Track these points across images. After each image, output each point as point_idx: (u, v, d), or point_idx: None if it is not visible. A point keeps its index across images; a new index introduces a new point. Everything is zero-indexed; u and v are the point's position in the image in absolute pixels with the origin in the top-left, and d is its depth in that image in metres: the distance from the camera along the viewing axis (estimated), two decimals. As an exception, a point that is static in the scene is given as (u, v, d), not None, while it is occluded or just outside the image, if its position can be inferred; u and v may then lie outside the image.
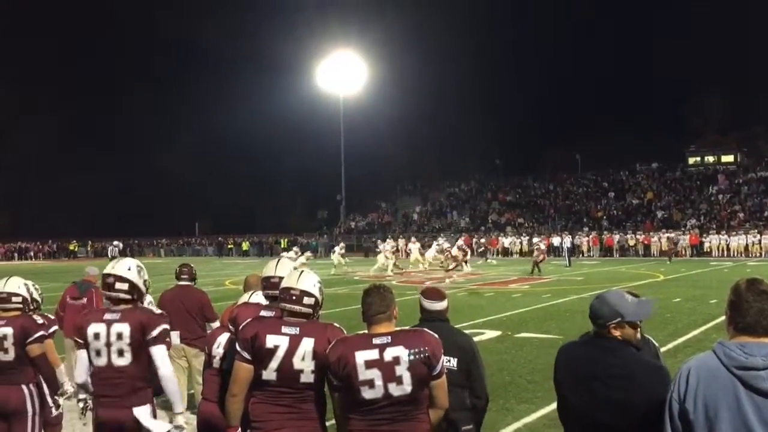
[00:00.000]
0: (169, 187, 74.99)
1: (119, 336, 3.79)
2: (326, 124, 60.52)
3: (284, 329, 3.36)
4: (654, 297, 16.28)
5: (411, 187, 64.97)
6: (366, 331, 3.25)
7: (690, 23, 70.24)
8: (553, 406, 6.88)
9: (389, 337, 3.14)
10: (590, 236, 41.89)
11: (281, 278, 3.87)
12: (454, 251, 28.01)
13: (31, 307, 4.88)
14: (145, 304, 5.35)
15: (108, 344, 3.79)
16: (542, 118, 73.36)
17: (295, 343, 3.31)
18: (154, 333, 3.83)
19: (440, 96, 70.62)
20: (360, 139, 60.65)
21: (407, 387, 3.09)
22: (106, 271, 3.99)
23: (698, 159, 54.32)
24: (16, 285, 4.77)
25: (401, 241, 39.43)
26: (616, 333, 3.03)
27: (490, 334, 11.41)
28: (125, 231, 64.72)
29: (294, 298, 3.43)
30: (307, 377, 3.32)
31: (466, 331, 4.42)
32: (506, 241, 43.59)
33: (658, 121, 64.99)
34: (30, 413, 4.54)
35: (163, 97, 79.02)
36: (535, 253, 26.69)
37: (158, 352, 3.85)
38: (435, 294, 4.12)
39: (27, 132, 67.67)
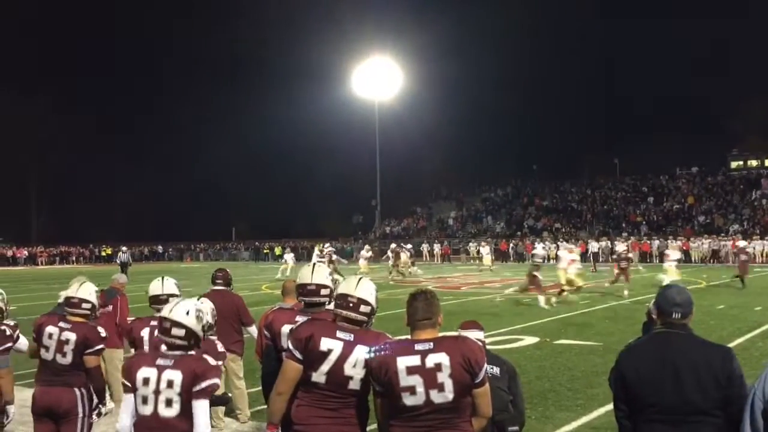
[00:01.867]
0: (207, 193, 76.01)
1: (170, 384, 3.42)
2: (362, 129, 60.72)
3: (339, 334, 3.37)
4: (698, 304, 15.89)
5: (446, 192, 64.77)
6: (409, 337, 3.23)
7: (730, 25, 68.76)
8: (595, 413, 6.81)
9: (431, 344, 3.10)
10: (629, 241, 41.17)
11: (318, 285, 3.97)
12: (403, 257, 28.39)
13: (96, 315, 4.95)
14: None
15: (157, 392, 3.43)
16: (580, 122, 72.45)
17: (348, 349, 3.32)
18: (203, 385, 3.44)
19: (476, 100, 70.23)
20: (395, 144, 60.69)
21: (449, 394, 3.05)
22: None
23: (741, 163, 53.08)
24: (88, 291, 4.82)
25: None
26: (688, 321, 3.18)
27: (529, 340, 11.29)
28: (164, 236, 65.73)
29: (351, 305, 3.44)
30: (356, 384, 3.33)
31: (505, 337, 4.44)
32: (593, 246, 42.79)
33: (698, 125, 63.61)
34: (80, 415, 4.62)
35: (201, 103, 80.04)
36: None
37: (201, 407, 3.43)
38: (473, 325, 4.31)
39: (70, 140, 69.17)
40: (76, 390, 4.61)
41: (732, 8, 68.74)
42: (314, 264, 4.17)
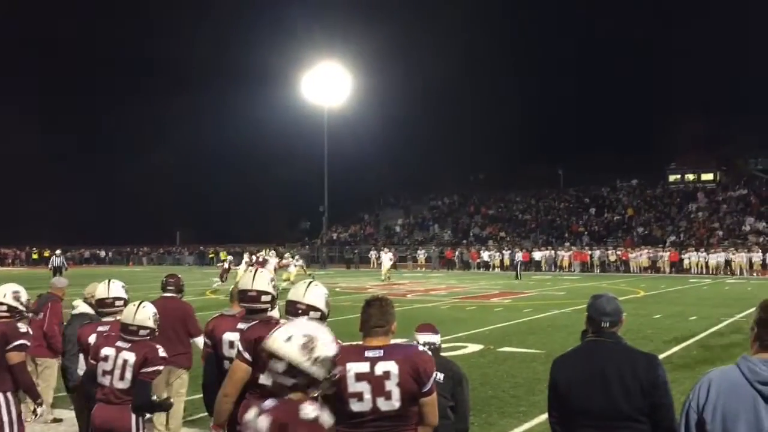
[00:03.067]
0: (151, 195, 74.43)
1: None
2: (310, 134, 60.44)
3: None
4: (635, 313, 16.37)
5: (394, 200, 65.06)
6: (360, 342, 3.23)
7: (672, 43, 71.15)
8: (536, 420, 6.93)
9: (382, 351, 3.11)
10: (571, 251, 42.17)
11: (259, 291, 3.90)
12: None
13: (24, 316, 4.85)
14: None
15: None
16: (525, 134, 73.79)
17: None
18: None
19: (424, 109, 70.86)
20: (344, 150, 60.57)
21: (396, 402, 3.05)
22: (127, 321, 4.23)
23: (678, 176, 54.95)
24: (2, 294, 4.76)
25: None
26: (617, 329, 3.24)
27: (473, 348, 11.42)
28: (106, 239, 64.15)
29: (300, 311, 3.45)
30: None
31: (449, 345, 4.49)
32: (486, 255, 43.77)
33: (639, 139, 65.65)
34: (5, 421, 4.49)
35: (145, 107, 78.53)
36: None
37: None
38: (429, 328, 4.37)
39: (13, 145, 66.91)
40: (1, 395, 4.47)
41: (674, 24, 71.25)
42: (256, 270, 4.11)
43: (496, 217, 55.04)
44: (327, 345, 2.51)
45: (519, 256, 37.23)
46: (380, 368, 3.06)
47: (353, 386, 3.06)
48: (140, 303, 4.48)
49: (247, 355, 3.39)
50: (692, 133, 58.51)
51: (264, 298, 3.93)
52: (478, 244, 48.13)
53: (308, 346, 2.56)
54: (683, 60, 69.40)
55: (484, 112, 72.56)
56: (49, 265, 32.01)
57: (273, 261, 28.11)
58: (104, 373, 4.27)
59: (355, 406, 3.06)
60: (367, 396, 3.05)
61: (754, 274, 35.19)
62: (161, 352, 4.33)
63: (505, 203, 57.45)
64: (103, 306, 4.82)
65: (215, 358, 4.01)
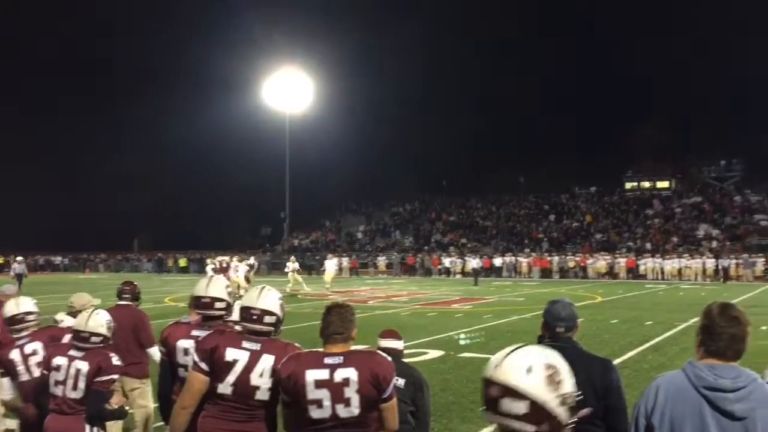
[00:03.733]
0: (109, 201, 73.13)
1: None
2: (271, 141, 60.15)
3: (245, 344, 3.34)
4: (593, 318, 16.57)
5: (355, 206, 65.05)
6: (320, 349, 3.22)
7: (630, 52, 72.72)
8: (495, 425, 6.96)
9: (341, 358, 3.11)
10: (530, 258, 42.66)
11: (213, 298, 3.85)
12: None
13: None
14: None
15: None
16: (488, 140, 74.62)
17: (254, 358, 3.30)
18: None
19: (386, 116, 71.13)
20: (305, 156, 60.47)
21: (355, 409, 3.06)
22: (79, 328, 4.22)
23: (635, 184, 56.09)
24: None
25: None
26: (572, 335, 3.30)
27: (434, 354, 11.45)
28: (62, 245, 62.72)
29: (255, 317, 3.39)
30: (263, 394, 3.30)
31: (411, 351, 4.52)
32: (447, 261, 44.01)
33: (597, 147, 66.96)
34: None
35: (103, 112, 77.25)
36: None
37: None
38: (392, 334, 4.43)
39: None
40: None
41: (633, 33, 72.81)
42: (210, 276, 4.07)
43: (457, 223, 55.41)
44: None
45: (476, 262, 37.54)
46: (340, 375, 3.06)
47: (313, 393, 3.05)
48: (93, 310, 4.42)
49: (203, 366, 3.34)
50: (649, 142, 59.89)
51: (218, 305, 3.87)
52: (440, 251, 48.38)
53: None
54: (641, 69, 71.02)
55: (446, 119, 73.25)
56: (11, 273, 31.13)
57: (243, 268, 27.32)
58: (57, 383, 4.18)
59: (315, 413, 3.06)
60: (327, 403, 3.05)
61: (708, 280, 36.05)
62: (115, 361, 4.25)
63: (466, 210, 57.88)
64: (13, 323, 4.74)
65: (169, 366, 3.95)
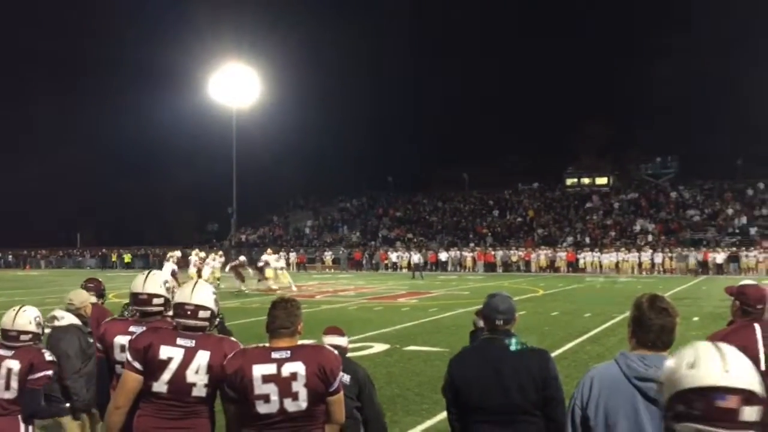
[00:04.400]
0: (51, 195, 70.99)
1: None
2: (218, 136, 59.46)
3: (179, 341, 3.30)
4: (534, 311, 16.97)
5: (303, 202, 64.82)
6: (266, 344, 3.23)
7: (572, 50, 74.32)
8: (439, 417, 7.19)
9: (289, 352, 3.12)
10: (475, 252, 43.35)
11: (150, 294, 3.82)
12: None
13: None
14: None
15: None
16: (433, 138, 75.29)
17: (189, 355, 3.27)
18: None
19: (333, 111, 71.09)
20: (252, 152, 59.99)
21: (303, 403, 3.08)
22: (6, 327, 4.13)
23: (575, 180, 57.48)
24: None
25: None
26: (511, 327, 3.38)
27: (379, 347, 11.63)
28: (1, 242, 60.63)
29: (189, 312, 3.37)
30: (200, 391, 3.27)
31: (356, 345, 4.65)
32: (394, 256, 44.38)
33: (540, 144, 68.32)
34: None
35: (45, 104, 74.83)
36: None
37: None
38: (335, 331, 4.43)
39: None
40: None
41: (575, 31, 74.34)
42: (149, 272, 4.00)
43: (404, 219, 55.80)
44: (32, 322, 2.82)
45: (417, 257, 38.09)
46: (287, 369, 3.07)
47: (260, 388, 3.05)
48: (20, 307, 4.27)
49: (137, 365, 3.28)
50: (589, 140, 61.46)
51: (156, 300, 3.83)
52: (386, 246, 48.69)
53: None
54: (583, 69, 72.64)
55: (393, 116, 73.57)
56: None
57: (214, 263, 26.23)
58: None
59: (262, 408, 3.06)
60: (274, 398, 3.05)
61: (644, 273, 37.31)
62: (48, 356, 4.17)
63: (412, 205, 58.32)
64: None
65: (107, 363, 3.87)
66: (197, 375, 3.25)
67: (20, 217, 68.72)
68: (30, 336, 4.17)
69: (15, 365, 4.02)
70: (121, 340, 3.71)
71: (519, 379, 3.20)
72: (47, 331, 4.84)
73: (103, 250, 56.83)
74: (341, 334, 4.42)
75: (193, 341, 3.30)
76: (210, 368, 3.24)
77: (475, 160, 63.88)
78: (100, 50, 74.04)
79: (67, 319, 5.28)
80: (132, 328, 3.73)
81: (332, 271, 44.04)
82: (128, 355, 3.32)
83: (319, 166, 70.15)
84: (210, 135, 62.92)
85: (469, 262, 42.18)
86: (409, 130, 73.55)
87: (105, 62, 78.38)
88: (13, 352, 4.08)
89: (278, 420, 3.07)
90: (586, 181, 56.87)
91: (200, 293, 3.43)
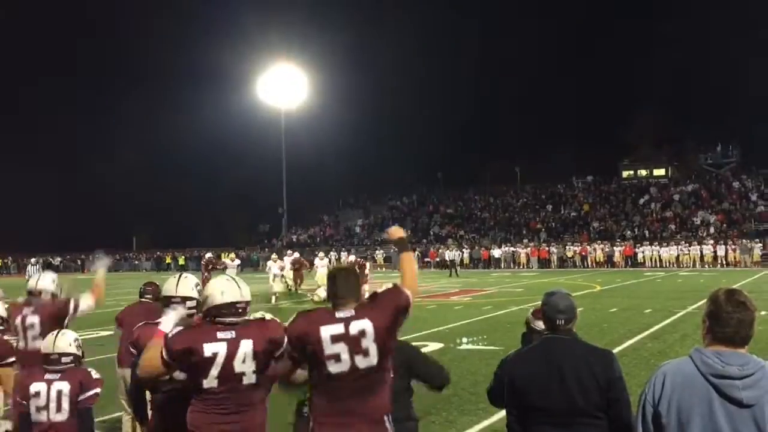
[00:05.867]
0: (107, 200, 73.01)
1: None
2: (267, 137, 60.11)
3: (220, 335, 3.29)
4: (592, 307, 16.55)
5: (353, 200, 65.03)
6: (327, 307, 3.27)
7: (625, 42, 72.66)
8: (495, 417, 6.95)
9: (353, 311, 3.17)
10: (528, 248, 42.69)
11: (183, 297, 3.86)
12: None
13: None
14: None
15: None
16: (483, 132, 74.58)
17: (233, 346, 3.27)
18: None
19: (382, 109, 71.05)
20: (302, 152, 60.39)
21: (373, 359, 3.12)
22: (47, 350, 4.19)
23: (631, 172, 56.11)
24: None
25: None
26: (572, 326, 3.27)
27: (433, 346, 11.46)
28: (59, 245, 62.65)
29: (176, 304, 3.66)
30: (250, 378, 3.29)
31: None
32: (449, 254, 43.99)
33: (594, 136, 66.87)
34: None
35: (99, 110, 77.12)
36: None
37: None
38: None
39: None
40: None
41: (628, 22, 72.67)
42: (180, 275, 4.00)
43: (455, 215, 55.42)
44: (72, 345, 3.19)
45: (456, 254, 38.15)
46: (355, 327, 3.13)
47: (330, 348, 3.09)
48: (58, 331, 4.39)
49: (169, 360, 3.29)
50: (645, 130, 59.88)
51: (189, 303, 3.86)
52: (438, 243, 48.41)
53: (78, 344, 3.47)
54: (636, 58, 70.96)
55: (442, 112, 73.15)
56: (27, 274, 30.67)
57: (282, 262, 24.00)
58: (38, 409, 4.09)
59: (333, 368, 3.10)
60: (345, 356, 3.09)
61: (706, 266, 36.11)
62: (95, 374, 4.24)
63: (463, 201, 57.89)
64: None
65: None
66: (244, 364, 3.26)
67: (78, 221, 70.85)
68: (71, 358, 4.23)
69: (65, 387, 4.07)
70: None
71: (582, 380, 3.09)
72: None
73: (158, 253, 58.06)
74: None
75: (233, 332, 3.30)
76: (255, 354, 3.26)
77: (527, 154, 62.97)
78: (153, 53, 75.78)
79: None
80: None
81: (383, 270, 43.97)
82: (163, 351, 3.29)
83: (369, 165, 70.26)
84: (259, 136, 63.69)
85: (522, 258, 41.58)
86: (458, 125, 72.97)
87: (157, 65, 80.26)
88: (59, 374, 4.13)
89: (351, 378, 3.11)
90: (643, 172, 55.44)
91: (183, 285, 3.79)
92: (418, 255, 45.28)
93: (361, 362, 3.12)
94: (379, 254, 47.28)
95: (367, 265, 23.28)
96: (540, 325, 5.03)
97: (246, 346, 3.27)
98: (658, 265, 37.57)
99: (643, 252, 39.15)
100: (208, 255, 24.32)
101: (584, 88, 71.13)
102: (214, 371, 3.25)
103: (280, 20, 72.59)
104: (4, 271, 56.56)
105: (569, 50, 73.62)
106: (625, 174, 56.21)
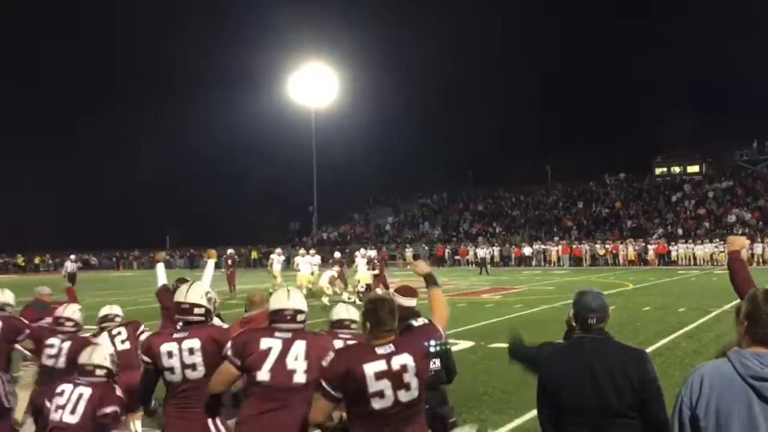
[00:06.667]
0: (138, 200, 74.12)
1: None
2: (298, 135, 60.44)
3: (277, 334, 3.55)
4: (624, 306, 16.37)
5: (383, 198, 65.11)
6: (363, 342, 3.37)
7: (657, 40, 71.59)
8: (527, 416, 6.96)
9: (392, 346, 3.21)
10: (560, 246, 42.32)
11: (192, 304, 3.99)
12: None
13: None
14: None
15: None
16: (513, 129, 74.08)
17: (288, 344, 3.52)
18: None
19: (412, 108, 71.04)
20: (332, 150, 60.65)
21: (415, 392, 3.20)
22: (83, 360, 4.28)
23: (665, 169, 55.26)
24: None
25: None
26: (604, 325, 3.25)
27: (464, 344, 11.46)
28: (93, 244, 63.72)
29: (185, 310, 3.93)
30: (300, 377, 3.48)
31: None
32: (480, 252, 43.82)
33: (626, 134, 66.09)
34: None
35: (130, 110, 78.27)
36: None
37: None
38: (409, 291, 4.61)
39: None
40: None
41: (660, 19, 71.60)
42: (191, 283, 4.18)
43: (485, 213, 55.16)
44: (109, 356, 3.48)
45: (484, 252, 38.12)
46: (396, 363, 3.17)
47: (374, 386, 3.12)
48: (94, 346, 4.52)
49: (236, 360, 3.54)
50: (679, 127, 58.93)
51: (197, 310, 3.98)
52: (468, 241, 48.24)
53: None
54: (669, 54, 69.86)
55: (472, 110, 72.84)
56: (63, 271, 31.34)
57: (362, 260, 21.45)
58: (57, 407, 4.19)
59: (377, 404, 3.13)
60: (389, 392, 3.13)
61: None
62: (118, 392, 4.30)
63: (493, 199, 57.59)
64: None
65: (154, 372, 3.95)
66: (296, 362, 3.46)
67: (113, 220, 72.04)
68: (105, 372, 4.32)
69: (86, 392, 4.16)
70: (167, 347, 3.88)
71: (615, 380, 3.07)
72: None
73: (191, 251, 58.73)
74: (412, 295, 4.55)
75: (290, 333, 3.55)
76: (307, 355, 3.46)
77: (558, 151, 62.44)
78: (182, 54, 76.59)
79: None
80: (176, 335, 3.94)
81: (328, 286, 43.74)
82: (229, 350, 3.54)
83: (398, 162, 70.34)
84: (290, 135, 64.07)
85: (553, 256, 41.25)
86: (488, 123, 72.58)
87: (187, 66, 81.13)
88: (87, 381, 4.25)
89: (393, 412, 3.17)
90: (676, 169, 54.54)
91: (193, 292, 3.96)
92: (448, 253, 45.24)
93: (404, 396, 3.16)
94: (409, 252, 47.24)
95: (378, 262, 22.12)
96: None
97: (300, 346, 3.53)
98: (692, 264, 36.99)
99: (676, 250, 38.58)
100: (230, 251, 25.30)
101: (617, 85, 70.31)
102: (268, 364, 3.48)
103: (310, 20, 73.08)
104: (42, 268, 57.68)
105: (602, 48, 72.77)
106: (658, 171, 55.38)
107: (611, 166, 56.05)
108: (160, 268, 6.91)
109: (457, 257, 44.76)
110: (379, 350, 3.17)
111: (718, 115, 62.36)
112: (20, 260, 57.86)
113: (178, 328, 4.01)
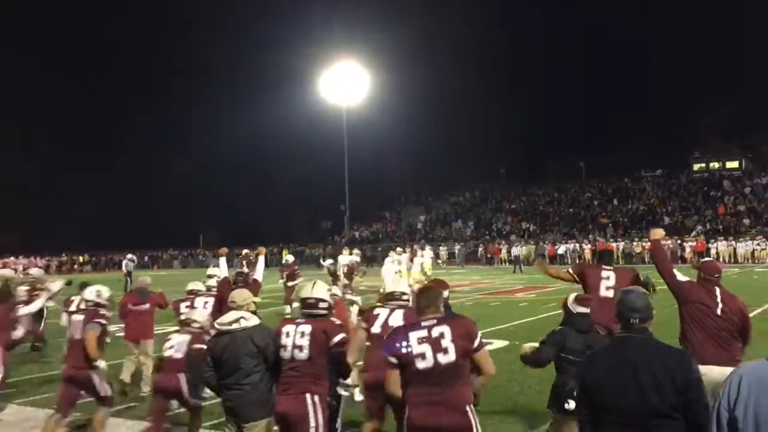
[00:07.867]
0: (172, 199, 75.03)
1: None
2: (330, 134, 60.57)
3: (423, 323, 3.97)
4: (662, 305, 16.13)
5: (415, 197, 65.00)
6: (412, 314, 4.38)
7: (692, 31, 70.21)
8: (564, 417, 6.84)
9: (435, 320, 3.94)
10: (597, 243, 41.73)
11: (317, 299, 4.64)
12: None
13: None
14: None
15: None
16: (546, 126, 73.40)
17: (434, 329, 3.93)
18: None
19: (443, 106, 70.62)
20: (363, 149, 60.66)
21: (452, 356, 3.79)
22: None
23: (703, 165, 54.16)
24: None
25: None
26: (647, 326, 3.22)
27: (498, 344, 11.35)
28: (128, 243, 64.71)
29: (311, 305, 4.62)
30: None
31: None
32: (515, 250, 43.44)
33: (661, 129, 64.85)
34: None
35: (164, 109, 79.33)
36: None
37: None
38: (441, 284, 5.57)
39: (27, 150, 67.94)
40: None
41: (695, 10, 70.25)
42: (314, 281, 4.81)
43: (518, 211, 54.73)
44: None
45: (517, 250, 38.33)
46: (436, 331, 3.86)
47: (417, 348, 3.82)
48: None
49: (393, 360, 3.94)
50: (717, 121, 57.74)
51: (321, 304, 4.64)
52: (501, 239, 47.89)
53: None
54: (704, 50, 68.44)
55: (504, 107, 72.25)
56: (123, 269, 32.06)
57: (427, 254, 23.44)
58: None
59: (420, 365, 3.80)
60: (429, 354, 3.80)
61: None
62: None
63: (526, 197, 57.11)
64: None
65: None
66: (444, 339, 3.86)
67: (147, 219, 73.06)
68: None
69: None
70: (286, 329, 4.58)
71: (657, 380, 3.02)
72: (241, 325, 4.72)
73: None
74: (444, 286, 5.59)
75: (435, 320, 3.97)
76: (453, 336, 3.85)
77: (592, 148, 61.52)
78: (215, 54, 77.44)
79: (254, 319, 4.87)
80: (298, 320, 4.64)
81: (446, 266, 43.78)
82: (386, 353, 3.97)
83: (430, 161, 69.93)
84: (321, 133, 64.25)
85: (588, 254, 40.71)
86: (521, 121, 71.94)
87: (220, 65, 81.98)
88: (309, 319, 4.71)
89: (435, 373, 3.79)
90: (715, 165, 53.38)
91: (319, 288, 4.70)
92: (482, 252, 44.96)
93: (442, 359, 3.79)
94: (442, 250, 47.03)
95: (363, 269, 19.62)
96: (578, 308, 5.28)
97: (445, 329, 3.91)
98: (732, 261, 36.20)
99: (716, 247, 37.80)
100: (245, 251, 25.45)
101: (651, 80, 69.17)
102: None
103: (342, 17, 73.34)
104: (94, 266, 59.29)
105: (637, 43, 71.60)
106: (696, 167, 54.30)
107: (647, 162, 55.16)
108: (223, 262, 8.27)
109: (489, 255, 44.41)
110: (424, 323, 3.91)
111: (757, 108, 60.79)
112: (81, 259, 59.89)
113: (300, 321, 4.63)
